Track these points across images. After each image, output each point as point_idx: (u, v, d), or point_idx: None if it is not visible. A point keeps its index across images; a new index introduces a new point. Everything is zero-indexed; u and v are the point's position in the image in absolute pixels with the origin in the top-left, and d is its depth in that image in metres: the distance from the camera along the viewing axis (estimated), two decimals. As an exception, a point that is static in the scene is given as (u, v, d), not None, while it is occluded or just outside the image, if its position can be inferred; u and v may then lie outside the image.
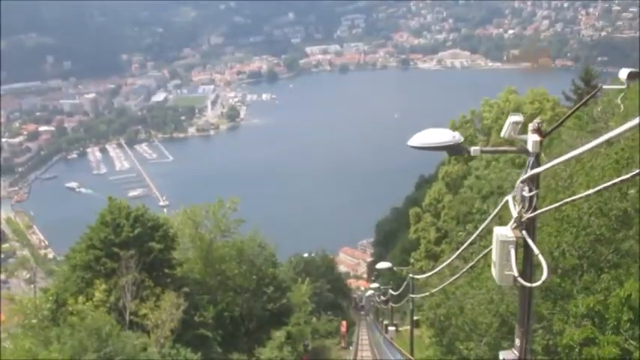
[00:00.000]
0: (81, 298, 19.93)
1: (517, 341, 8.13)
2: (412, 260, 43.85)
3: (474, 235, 9.22)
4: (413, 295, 28.40)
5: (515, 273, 7.31)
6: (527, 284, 7.52)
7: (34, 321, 19.31)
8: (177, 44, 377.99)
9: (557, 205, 7.72)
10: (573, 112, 8.37)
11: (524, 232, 7.36)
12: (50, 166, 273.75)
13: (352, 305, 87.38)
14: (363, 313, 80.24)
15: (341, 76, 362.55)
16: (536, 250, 7.20)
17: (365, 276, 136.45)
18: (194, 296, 24.48)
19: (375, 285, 54.14)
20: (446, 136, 7.80)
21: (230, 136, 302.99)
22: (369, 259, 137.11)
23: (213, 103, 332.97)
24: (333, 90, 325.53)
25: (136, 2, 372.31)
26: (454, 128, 49.70)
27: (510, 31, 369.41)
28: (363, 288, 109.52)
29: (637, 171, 6.31)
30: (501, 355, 7.97)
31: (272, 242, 35.48)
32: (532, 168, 7.39)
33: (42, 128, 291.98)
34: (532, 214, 7.33)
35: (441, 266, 15.37)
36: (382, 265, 36.58)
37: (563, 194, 11.46)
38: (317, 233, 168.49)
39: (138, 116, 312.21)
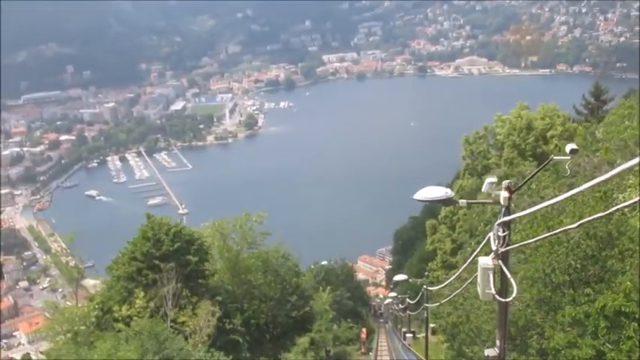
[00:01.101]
0: (125, 307, 21.87)
1: (497, 342, 10.40)
2: (427, 272, 45.63)
3: (472, 257, 11.08)
4: (427, 305, 30.39)
5: (494, 291, 9.62)
6: (503, 300, 9.85)
7: (82, 327, 21.20)
8: (195, 53, 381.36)
9: (524, 243, 9.75)
10: (539, 170, 10.28)
11: (500, 261, 9.63)
12: (71, 175, 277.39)
13: (371, 313, 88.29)
14: (382, 320, 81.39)
15: (358, 84, 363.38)
16: (508, 275, 9.40)
17: (384, 284, 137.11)
18: (225, 304, 26.30)
19: (394, 294, 55.93)
20: (441, 192, 10.66)
21: (248, 144, 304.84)
22: (388, 267, 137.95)
23: (232, 111, 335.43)
24: (350, 98, 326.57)
25: (154, 12, 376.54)
26: (468, 144, 51.58)
27: (528, 38, 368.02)
28: (382, 296, 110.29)
29: (622, 204, 8.10)
30: (486, 352, 10.04)
31: (295, 253, 37.13)
32: (504, 216, 9.60)
33: (63, 137, 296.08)
34: (505, 249, 9.60)
35: (450, 279, 17.23)
36: (399, 277, 38.68)
37: (554, 220, 13.22)
38: (335, 241, 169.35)
39: (157, 125, 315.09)
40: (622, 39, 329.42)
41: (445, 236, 54.71)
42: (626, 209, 12.66)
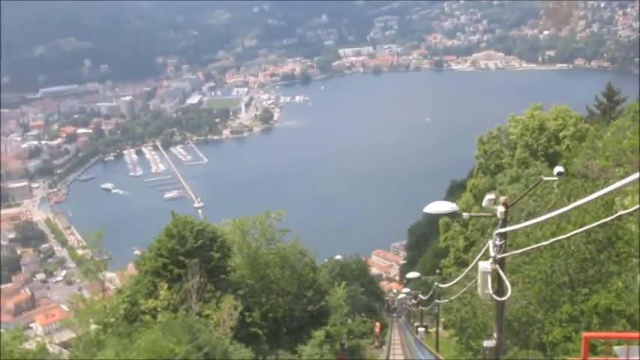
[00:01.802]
0: (150, 300, 23.24)
1: (495, 334, 11.93)
2: (438, 269, 46.95)
3: (477, 259, 12.23)
4: (438, 301, 31.71)
5: (491, 292, 11.19)
6: (499, 299, 11.44)
7: (112, 319, 22.52)
8: (212, 47, 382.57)
9: (515, 252, 10.85)
10: (527, 192, 11.39)
11: (497, 266, 11.14)
12: (88, 168, 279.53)
13: (385, 307, 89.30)
14: (395, 315, 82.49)
15: (374, 78, 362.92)
16: (504, 277, 10.76)
17: (397, 278, 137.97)
18: (246, 298, 27.52)
19: (407, 289, 57.24)
20: (447, 207, 12.39)
21: (263, 138, 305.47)
22: (402, 262, 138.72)
23: (247, 105, 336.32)
24: (366, 92, 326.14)
25: (171, 6, 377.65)
26: (481, 144, 52.56)
27: (545, 32, 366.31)
28: (395, 290, 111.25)
29: (621, 212, 9.13)
30: (485, 343, 11.27)
31: (311, 248, 38.28)
32: (500, 227, 11.19)
33: (80, 130, 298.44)
34: (501, 256, 11.16)
35: (458, 278, 18.41)
36: (412, 274, 40.08)
37: (557, 227, 14.30)
38: (349, 235, 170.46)
39: (173, 118, 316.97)
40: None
41: (458, 233, 55.74)
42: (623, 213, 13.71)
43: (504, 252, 11.11)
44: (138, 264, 28.30)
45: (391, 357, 43.51)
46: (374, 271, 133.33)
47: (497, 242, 11.12)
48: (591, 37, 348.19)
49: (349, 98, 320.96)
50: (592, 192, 15.26)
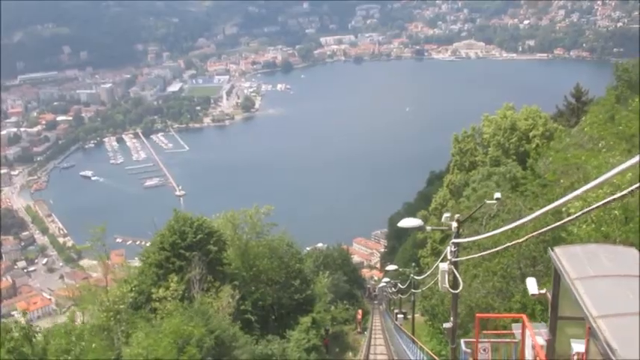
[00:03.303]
0: (161, 290, 25.64)
1: (451, 318, 15.07)
2: (415, 261, 49.97)
3: (442, 257, 14.80)
4: (414, 290, 34.65)
5: (448, 286, 14.38)
6: (453, 292, 14.62)
7: (121, 306, 24.76)
8: (193, 34, 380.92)
9: (467, 257, 13.52)
10: (476, 210, 13.94)
11: (452, 266, 14.20)
12: (68, 156, 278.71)
13: (366, 295, 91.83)
14: (376, 302, 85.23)
15: (355, 67, 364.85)
16: (457, 275, 13.64)
17: (378, 266, 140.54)
18: (240, 288, 29.99)
19: (387, 279, 60.17)
20: (416, 222, 15.72)
21: (245, 127, 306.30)
22: (383, 250, 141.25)
23: (228, 93, 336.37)
24: (347, 81, 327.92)
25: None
26: (457, 142, 55.36)
27: (526, 22, 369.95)
28: (376, 278, 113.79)
29: (567, 219, 11.56)
30: (444, 325, 13.94)
31: (296, 239, 40.76)
32: (454, 238, 14.29)
33: (60, 118, 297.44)
34: (455, 260, 14.25)
35: (429, 272, 21.16)
36: (390, 267, 43.19)
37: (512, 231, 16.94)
38: (331, 223, 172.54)
39: (154, 106, 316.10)
40: (620, 24, 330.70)
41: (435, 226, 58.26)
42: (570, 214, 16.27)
43: (457, 256, 14.19)
44: (142, 256, 30.68)
45: (372, 342, 46.21)
46: (355, 259, 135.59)
47: (452, 249, 14.17)
48: (571, 26, 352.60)
49: (330, 87, 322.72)
50: (544, 198, 18.07)
